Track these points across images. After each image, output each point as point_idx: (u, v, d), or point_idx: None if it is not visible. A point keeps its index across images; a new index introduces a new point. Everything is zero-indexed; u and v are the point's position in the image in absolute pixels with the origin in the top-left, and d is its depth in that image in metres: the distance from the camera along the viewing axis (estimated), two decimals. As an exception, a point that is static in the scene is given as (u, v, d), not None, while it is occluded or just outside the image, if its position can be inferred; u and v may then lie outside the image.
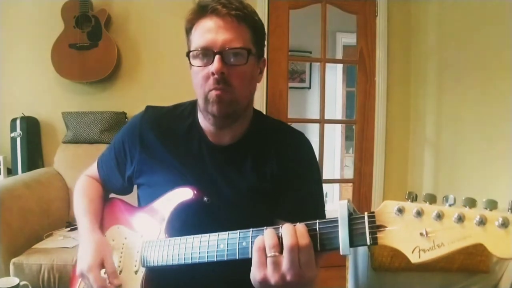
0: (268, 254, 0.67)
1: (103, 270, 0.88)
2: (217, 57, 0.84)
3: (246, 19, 0.88)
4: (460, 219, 0.51)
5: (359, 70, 2.86)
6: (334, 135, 4.61)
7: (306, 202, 0.96)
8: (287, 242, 0.66)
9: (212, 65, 0.85)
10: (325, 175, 3.27)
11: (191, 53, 0.89)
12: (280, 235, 0.68)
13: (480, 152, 2.17)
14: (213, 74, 0.84)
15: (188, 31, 0.92)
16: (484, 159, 2.13)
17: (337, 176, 4.69)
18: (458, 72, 2.36)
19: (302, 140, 1.02)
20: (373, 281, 1.59)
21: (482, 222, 0.50)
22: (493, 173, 2.05)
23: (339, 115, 4.64)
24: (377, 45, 2.81)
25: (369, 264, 1.56)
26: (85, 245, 0.94)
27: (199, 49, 0.87)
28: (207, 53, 0.86)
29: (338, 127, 4.70)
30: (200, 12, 0.88)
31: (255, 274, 0.69)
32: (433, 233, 0.53)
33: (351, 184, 3.15)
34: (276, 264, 0.66)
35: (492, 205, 0.51)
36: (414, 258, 0.55)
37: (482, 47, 2.15)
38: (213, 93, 0.86)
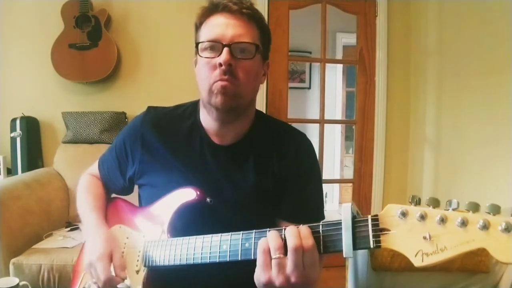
0: (273, 256, 0.67)
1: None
2: (225, 49, 0.86)
3: (256, 18, 0.92)
4: (464, 223, 0.51)
5: (359, 70, 2.86)
6: (334, 135, 4.60)
7: (307, 202, 0.96)
8: (291, 244, 0.66)
9: (220, 56, 0.86)
10: (325, 175, 3.27)
11: (200, 44, 0.91)
12: (283, 237, 0.68)
13: (480, 152, 2.17)
14: (220, 65, 0.86)
15: (198, 26, 0.94)
16: (484, 159, 2.13)
17: (337, 176, 4.69)
18: (458, 72, 2.36)
19: (303, 140, 1.03)
20: (373, 281, 1.58)
21: (485, 226, 0.50)
22: (493, 173, 2.06)
23: (339, 115, 4.64)
24: (377, 45, 2.81)
25: (369, 264, 1.56)
26: (94, 238, 0.94)
27: (209, 41, 0.89)
28: (215, 45, 0.88)
29: (338, 127, 4.70)
30: (212, 9, 0.92)
31: (260, 276, 0.69)
32: (436, 237, 0.53)
33: (351, 184, 3.15)
34: (281, 266, 0.67)
35: (495, 209, 0.51)
36: (417, 262, 0.55)
37: (482, 47, 2.15)
38: (219, 84, 0.87)
